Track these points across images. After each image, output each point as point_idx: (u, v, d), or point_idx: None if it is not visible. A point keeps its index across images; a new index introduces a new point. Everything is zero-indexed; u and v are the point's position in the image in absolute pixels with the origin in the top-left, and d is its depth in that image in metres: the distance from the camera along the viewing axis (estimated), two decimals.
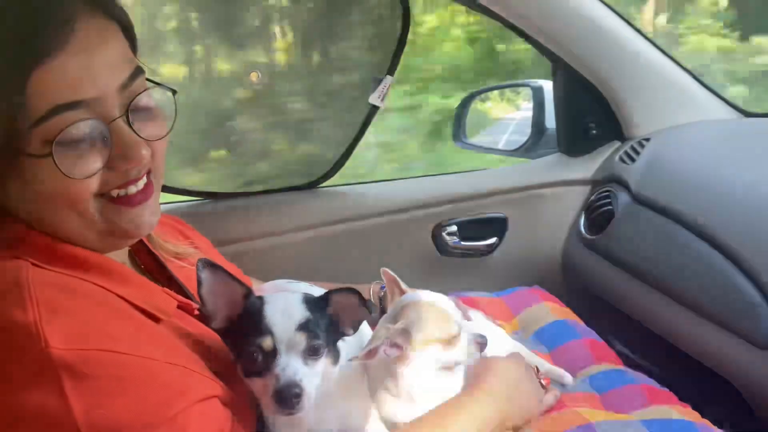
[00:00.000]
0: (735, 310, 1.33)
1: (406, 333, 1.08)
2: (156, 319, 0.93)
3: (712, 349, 1.40)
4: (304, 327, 0.94)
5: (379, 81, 1.77)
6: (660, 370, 1.44)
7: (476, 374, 1.15)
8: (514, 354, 1.27)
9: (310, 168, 1.92)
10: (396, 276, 1.23)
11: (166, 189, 1.80)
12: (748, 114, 1.95)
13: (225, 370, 0.94)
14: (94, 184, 0.86)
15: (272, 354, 0.92)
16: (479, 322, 1.33)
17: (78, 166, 0.83)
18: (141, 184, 0.92)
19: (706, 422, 1.16)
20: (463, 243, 2.01)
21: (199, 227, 1.44)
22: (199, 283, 0.94)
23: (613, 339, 1.66)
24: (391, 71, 1.77)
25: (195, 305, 1.04)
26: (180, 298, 1.02)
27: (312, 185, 1.94)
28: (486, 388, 1.12)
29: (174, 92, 0.98)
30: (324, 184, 1.95)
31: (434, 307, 1.13)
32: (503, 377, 1.15)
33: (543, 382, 1.24)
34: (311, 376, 0.93)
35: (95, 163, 0.84)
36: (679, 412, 1.20)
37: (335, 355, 1.01)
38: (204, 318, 0.99)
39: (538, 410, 1.18)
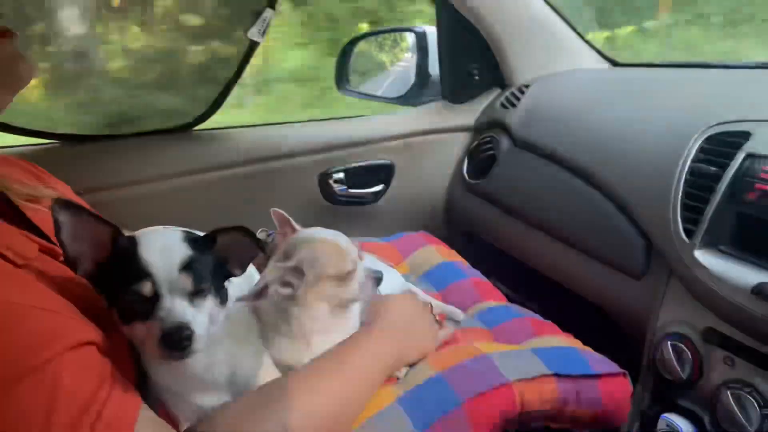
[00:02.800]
0: (611, 243, 1.41)
1: (298, 270, 1.03)
2: (15, 265, 0.80)
3: (591, 282, 1.47)
4: (187, 267, 0.84)
5: (259, 14, 1.65)
6: (541, 308, 1.50)
7: (372, 312, 1.13)
8: (408, 292, 1.25)
9: (183, 109, 1.76)
10: (288, 216, 1.16)
11: (15, 130, 1.58)
12: (616, 64, 2.05)
13: (100, 317, 0.84)
14: None
15: (153, 297, 0.83)
16: (373, 263, 1.30)
17: None
18: None
19: (588, 348, 1.22)
20: (350, 190, 1.96)
21: (56, 174, 1.27)
22: (57, 226, 0.81)
23: (496, 280, 1.70)
24: (271, 4, 1.65)
25: (60, 250, 0.91)
26: (42, 242, 0.90)
27: (186, 127, 1.78)
28: (382, 324, 1.10)
29: None
30: (200, 127, 1.80)
31: (328, 244, 1.08)
32: (399, 314, 1.14)
33: (437, 318, 1.24)
34: (199, 317, 0.85)
35: None
36: (563, 340, 1.25)
37: (223, 296, 0.93)
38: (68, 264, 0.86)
39: (434, 345, 1.18)
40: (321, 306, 1.06)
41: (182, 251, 0.86)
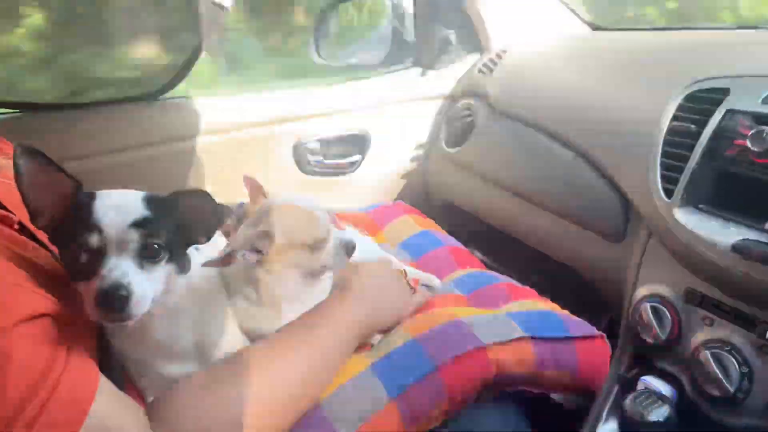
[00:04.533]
0: (590, 207, 1.38)
1: (267, 236, 0.98)
2: None
3: (569, 247, 1.45)
4: (139, 225, 0.81)
5: None
6: (520, 276, 1.47)
7: (344, 278, 1.10)
8: (382, 259, 1.22)
9: (149, 76, 1.69)
10: (259, 182, 1.12)
11: None
12: (595, 28, 2.01)
13: (58, 289, 0.79)
14: None
15: (100, 254, 0.79)
16: (348, 232, 1.26)
17: None
18: None
19: (566, 312, 1.20)
20: (325, 161, 1.91)
21: None
22: (18, 172, 0.77)
23: (474, 248, 1.67)
24: None
25: (15, 218, 0.86)
26: None
27: (152, 96, 1.72)
28: (354, 291, 1.06)
29: None
30: (166, 95, 1.74)
31: (300, 210, 1.04)
32: (371, 280, 1.11)
33: (411, 283, 1.20)
34: (147, 282, 0.81)
35: None
36: (540, 304, 1.23)
37: (182, 264, 0.89)
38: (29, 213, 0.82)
39: (408, 311, 1.15)
40: (291, 273, 1.02)
41: (137, 210, 0.82)
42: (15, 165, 0.77)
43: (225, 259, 0.95)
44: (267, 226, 0.99)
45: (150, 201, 0.85)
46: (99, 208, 0.80)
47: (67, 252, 0.82)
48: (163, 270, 0.84)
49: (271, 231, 0.99)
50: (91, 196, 0.83)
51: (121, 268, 0.78)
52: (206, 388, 0.86)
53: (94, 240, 0.79)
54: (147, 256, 0.81)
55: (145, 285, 0.80)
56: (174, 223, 0.86)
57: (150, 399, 0.91)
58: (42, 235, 0.87)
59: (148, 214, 0.82)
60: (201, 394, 0.85)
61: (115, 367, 0.89)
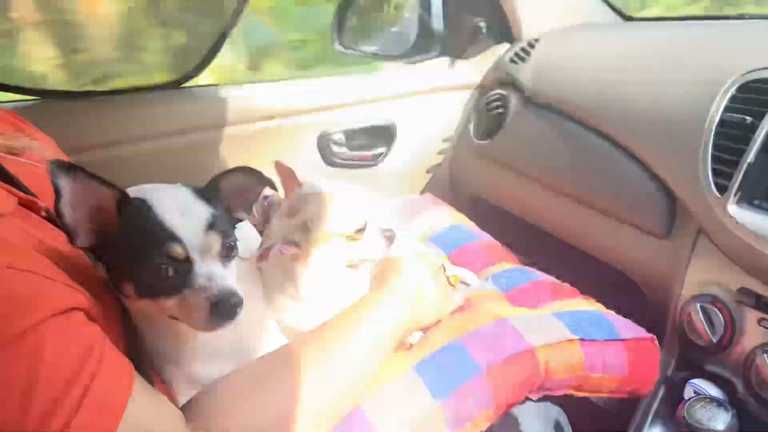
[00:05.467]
0: (632, 202, 1.33)
1: (304, 228, 0.94)
2: None
3: (610, 244, 1.40)
4: (213, 225, 0.77)
5: None
6: (555, 273, 1.42)
7: (382, 274, 1.05)
8: (419, 253, 1.17)
9: (173, 63, 1.65)
10: (292, 168, 1.07)
11: None
12: (627, 18, 1.95)
13: (88, 281, 0.74)
14: None
15: (186, 263, 0.74)
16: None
17: None
18: None
19: (612, 312, 1.15)
20: (350, 152, 1.86)
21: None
22: (58, 193, 0.71)
23: (506, 245, 1.62)
24: None
25: (42, 204, 0.82)
26: (21, 194, 0.80)
27: (176, 84, 1.67)
28: (394, 287, 1.01)
29: None
30: (190, 83, 1.69)
31: (337, 198, 0.99)
32: (411, 275, 1.05)
33: (451, 280, 1.16)
34: (232, 278, 0.78)
35: None
36: (585, 303, 1.18)
37: (237, 250, 0.85)
38: (67, 233, 0.76)
39: (448, 309, 1.10)
40: (329, 266, 0.98)
41: (204, 210, 0.77)
42: (54, 185, 0.70)
43: (261, 256, 0.91)
44: (303, 218, 0.95)
45: (201, 194, 0.80)
46: (165, 214, 0.75)
47: (137, 268, 0.75)
48: (233, 264, 0.81)
49: (308, 222, 0.95)
50: (144, 203, 0.76)
51: (219, 273, 0.75)
52: (248, 388, 0.82)
53: (178, 250, 0.74)
54: (226, 255, 0.78)
55: (236, 283, 0.78)
56: (225, 210, 0.83)
57: (180, 399, 0.87)
58: None
59: (212, 210, 0.78)
60: (243, 393, 0.81)
61: (144, 364, 0.85)
